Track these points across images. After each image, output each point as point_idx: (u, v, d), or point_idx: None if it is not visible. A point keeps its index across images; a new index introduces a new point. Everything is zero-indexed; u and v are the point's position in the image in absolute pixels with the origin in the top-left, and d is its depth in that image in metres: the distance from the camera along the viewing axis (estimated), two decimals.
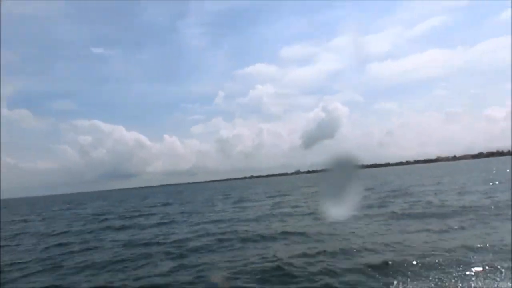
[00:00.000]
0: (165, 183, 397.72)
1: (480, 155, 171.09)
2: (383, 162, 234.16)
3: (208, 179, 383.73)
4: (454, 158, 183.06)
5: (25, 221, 29.47)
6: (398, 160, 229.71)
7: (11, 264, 11.63)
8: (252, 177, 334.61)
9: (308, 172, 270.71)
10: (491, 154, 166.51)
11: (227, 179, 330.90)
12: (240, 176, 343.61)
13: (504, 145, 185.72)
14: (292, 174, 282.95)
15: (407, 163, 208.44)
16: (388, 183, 40.17)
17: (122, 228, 19.10)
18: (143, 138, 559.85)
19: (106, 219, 24.92)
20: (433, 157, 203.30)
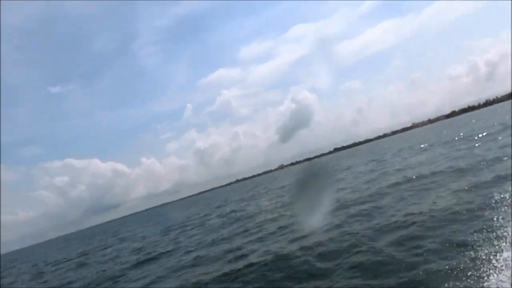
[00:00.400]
0: (150, 206, 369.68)
1: (453, 114, 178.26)
2: (362, 139, 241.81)
3: (191, 193, 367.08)
4: (430, 121, 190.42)
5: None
6: (375, 135, 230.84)
7: None
8: (237, 181, 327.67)
9: (292, 164, 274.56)
10: (464, 111, 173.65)
11: (213, 189, 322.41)
12: (225, 183, 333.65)
13: (472, 100, 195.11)
14: (276, 169, 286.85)
15: (385, 135, 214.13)
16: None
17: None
18: (120, 166, 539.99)
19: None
20: (409, 124, 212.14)
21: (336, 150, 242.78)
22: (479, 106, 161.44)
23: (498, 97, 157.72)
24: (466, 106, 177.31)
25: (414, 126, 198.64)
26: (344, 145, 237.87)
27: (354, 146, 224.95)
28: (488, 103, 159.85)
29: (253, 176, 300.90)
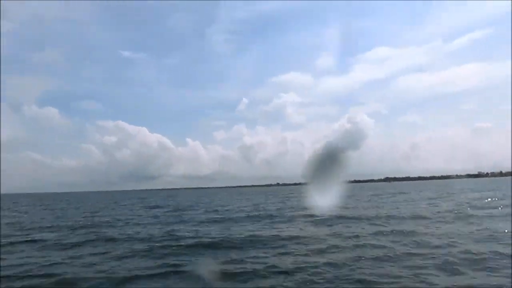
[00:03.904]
0: (185, 186, 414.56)
1: None
2: (415, 175, 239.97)
3: (228, 185, 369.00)
4: (501, 174, 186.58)
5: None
6: (429, 174, 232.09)
7: None
8: (278, 184, 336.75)
9: None
10: None
11: (252, 186, 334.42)
12: (264, 183, 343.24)
13: None
14: None
15: (442, 177, 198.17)
16: None
17: None
18: (166, 141, 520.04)
19: None
20: (474, 172, 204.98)
21: (388, 179, 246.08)
22: None
23: None
24: None
25: (480, 175, 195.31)
26: (397, 176, 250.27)
27: (406, 180, 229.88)
28: None
29: (295, 184, 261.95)
